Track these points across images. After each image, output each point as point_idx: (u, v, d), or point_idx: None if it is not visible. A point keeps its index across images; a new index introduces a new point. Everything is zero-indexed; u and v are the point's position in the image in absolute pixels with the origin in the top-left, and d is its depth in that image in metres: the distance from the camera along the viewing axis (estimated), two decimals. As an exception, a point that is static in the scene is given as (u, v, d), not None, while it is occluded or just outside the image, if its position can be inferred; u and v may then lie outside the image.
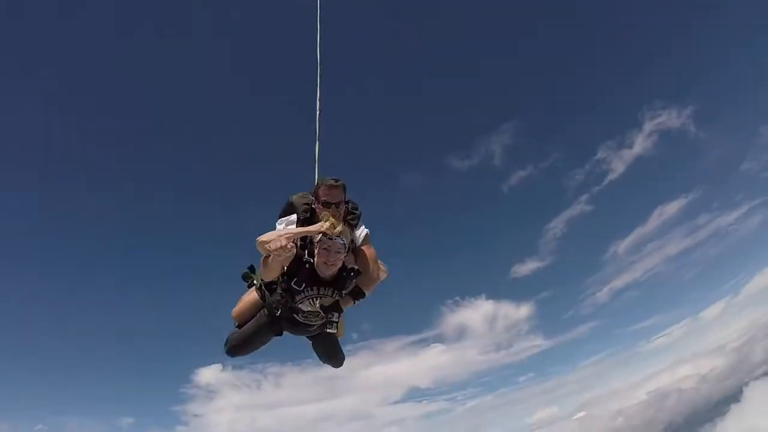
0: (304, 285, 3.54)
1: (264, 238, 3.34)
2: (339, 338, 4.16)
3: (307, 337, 4.06)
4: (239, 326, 3.90)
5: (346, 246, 3.55)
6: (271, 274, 3.53)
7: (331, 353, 4.21)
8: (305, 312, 3.67)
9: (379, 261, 3.85)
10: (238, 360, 4.05)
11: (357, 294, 3.67)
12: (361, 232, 3.78)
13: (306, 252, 3.58)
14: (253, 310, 3.86)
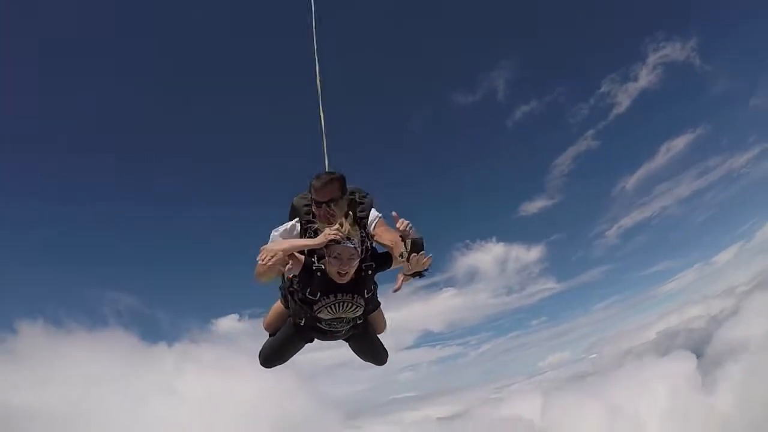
0: (319, 294, 3.26)
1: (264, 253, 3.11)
2: (380, 333, 3.99)
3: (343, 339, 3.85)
4: (271, 336, 3.85)
5: (359, 248, 3.15)
6: (263, 279, 3.19)
7: (370, 352, 4.02)
8: (327, 320, 3.42)
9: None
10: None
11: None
12: (372, 221, 3.38)
13: (315, 257, 3.24)
14: (282, 320, 3.76)
